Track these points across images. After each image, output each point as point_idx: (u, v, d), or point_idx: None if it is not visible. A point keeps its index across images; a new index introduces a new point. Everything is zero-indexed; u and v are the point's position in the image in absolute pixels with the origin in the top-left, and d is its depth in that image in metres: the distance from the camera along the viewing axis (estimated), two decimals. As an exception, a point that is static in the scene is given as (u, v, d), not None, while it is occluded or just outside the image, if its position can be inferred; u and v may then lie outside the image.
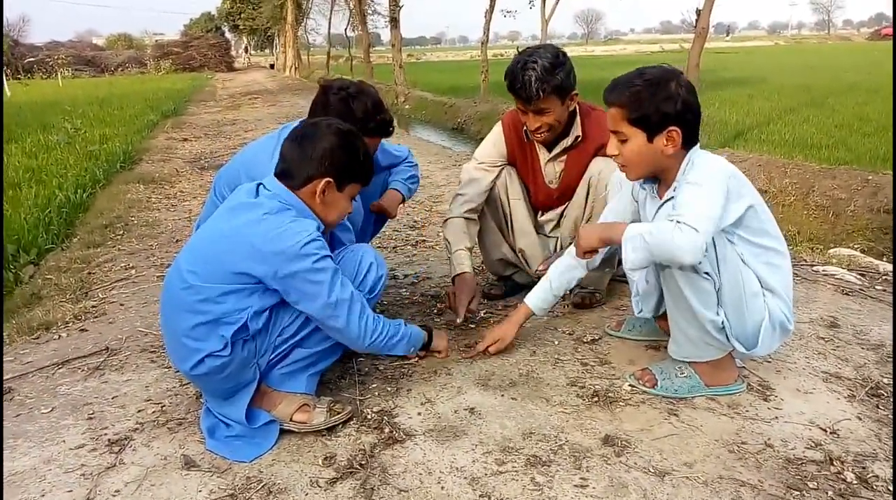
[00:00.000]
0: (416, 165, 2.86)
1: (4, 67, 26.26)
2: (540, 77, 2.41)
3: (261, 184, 1.94)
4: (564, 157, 2.72)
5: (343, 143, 1.92)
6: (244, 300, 1.82)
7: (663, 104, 1.86)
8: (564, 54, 2.52)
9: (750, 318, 1.94)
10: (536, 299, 2.39)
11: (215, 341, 1.80)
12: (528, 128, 2.61)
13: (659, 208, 1.98)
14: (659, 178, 2.04)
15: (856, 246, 4.54)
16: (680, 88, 1.87)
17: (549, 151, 2.73)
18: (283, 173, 1.93)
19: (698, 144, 1.97)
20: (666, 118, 1.87)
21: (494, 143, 2.82)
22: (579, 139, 2.67)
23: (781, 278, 1.99)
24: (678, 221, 1.74)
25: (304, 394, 1.99)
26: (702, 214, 1.75)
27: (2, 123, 8.59)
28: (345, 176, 1.94)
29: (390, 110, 2.50)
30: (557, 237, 2.89)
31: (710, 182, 1.83)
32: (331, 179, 1.90)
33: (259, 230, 1.81)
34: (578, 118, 2.65)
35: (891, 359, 2.31)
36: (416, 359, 2.39)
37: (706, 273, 1.87)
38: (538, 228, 2.91)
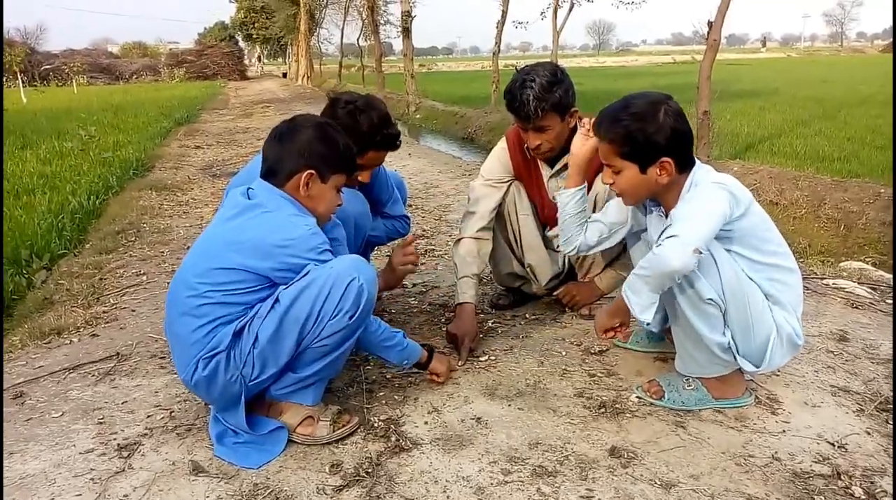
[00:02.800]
0: (408, 222, 2.93)
1: (21, 74, 26.54)
2: (538, 96, 2.42)
3: (250, 188, 1.96)
4: (566, 173, 2.72)
5: (321, 134, 1.95)
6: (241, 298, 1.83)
7: (652, 137, 1.88)
8: (563, 71, 2.53)
9: (757, 336, 1.93)
10: None
11: (215, 341, 1.82)
12: (528, 145, 2.62)
13: (665, 229, 1.93)
14: (661, 202, 2.04)
15: (867, 259, 4.51)
16: (667, 118, 1.88)
17: (551, 167, 2.73)
18: (267, 172, 1.96)
19: (698, 163, 1.97)
20: (656, 150, 1.89)
21: (499, 159, 2.82)
22: None
23: (788, 293, 1.97)
24: (662, 240, 1.79)
25: (310, 406, 1.98)
26: (688, 223, 1.79)
27: (1, 127, 8.68)
28: (326, 166, 1.95)
29: (399, 121, 2.53)
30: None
31: (706, 195, 1.86)
32: (312, 171, 1.92)
33: (262, 224, 1.85)
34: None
35: (901, 374, 2.30)
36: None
37: (710, 299, 1.86)
38: (546, 242, 2.91)
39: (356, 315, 1.83)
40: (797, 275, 2.01)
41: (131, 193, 6.21)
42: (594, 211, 2.69)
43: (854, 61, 40.47)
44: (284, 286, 1.82)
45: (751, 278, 1.92)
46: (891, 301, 3.01)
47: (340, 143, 1.99)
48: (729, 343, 1.94)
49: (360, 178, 2.43)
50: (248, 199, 1.93)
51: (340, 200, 2.05)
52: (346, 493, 1.74)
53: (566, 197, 2.34)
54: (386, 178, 2.75)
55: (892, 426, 1.99)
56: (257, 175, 2.14)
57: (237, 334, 1.82)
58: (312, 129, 1.96)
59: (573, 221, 2.34)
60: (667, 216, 2.00)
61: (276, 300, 1.81)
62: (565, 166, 2.70)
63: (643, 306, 1.88)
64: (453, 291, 3.23)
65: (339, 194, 2.04)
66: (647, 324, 2.07)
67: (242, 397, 1.87)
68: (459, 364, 2.46)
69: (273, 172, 1.95)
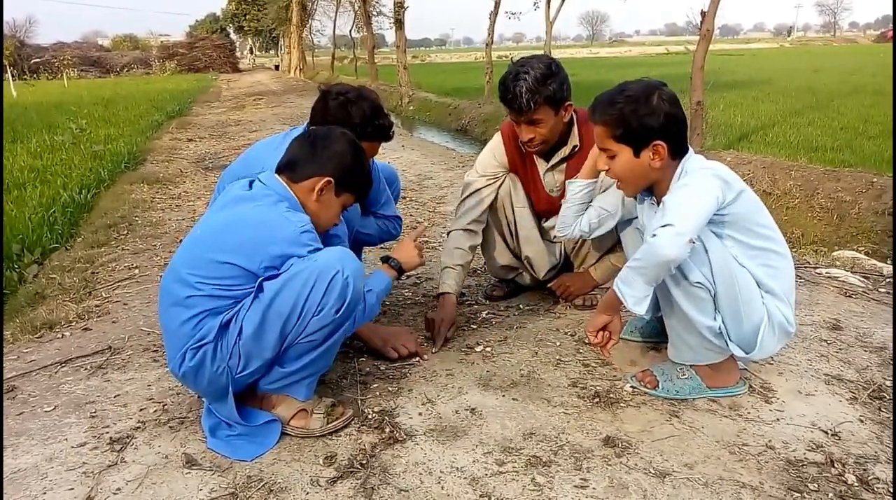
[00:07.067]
0: (400, 224, 2.89)
1: (11, 68, 26.31)
2: (531, 88, 2.40)
3: (254, 180, 1.96)
4: (563, 166, 2.71)
5: (353, 151, 2.00)
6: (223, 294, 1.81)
7: (646, 119, 1.89)
8: (558, 65, 2.51)
9: (748, 321, 1.94)
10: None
11: (202, 332, 1.81)
12: (520, 139, 2.61)
13: (657, 218, 1.93)
14: (654, 191, 2.04)
15: (860, 248, 4.53)
16: (662, 102, 1.89)
17: (547, 160, 2.72)
18: (286, 165, 1.97)
19: (691, 151, 1.98)
20: (650, 133, 1.90)
21: (494, 153, 2.81)
22: (577, 148, 2.65)
23: (781, 279, 1.98)
24: (656, 230, 1.78)
25: (303, 400, 1.97)
26: (681, 212, 1.79)
27: (1, 124, 8.61)
28: (345, 181, 1.99)
29: (392, 113, 2.51)
30: (562, 243, 2.89)
31: (697, 182, 1.86)
32: (332, 180, 1.94)
33: (253, 219, 1.84)
34: (576, 127, 2.65)
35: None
36: (418, 359, 2.40)
37: (698, 283, 1.87)
38: (543, 234, 2.91)
39: (342, 309, 1.79)
40: (789, 261, 2.02)
41: (123, 186, 6.17)
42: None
43: (846, 51, 40.51)
44: (267, 277, 1.78)
45: (743, 265, 1.92)
46: (884, 290, 3.02)
47: (366, 168, 2.05)
48: (720, 328, 1.95)
49: None
50: (249, 190, 1.93)
51: (339, 220, 2.07)
52: (341, 485, 1.73)
53: (577, 186, 2.36)
54: (379, 178, 2.72)
55: (885, 414, 1.99)
56: (253, 168, 2.12)
57: (224, 326, 1.80)
58: (347, 144, 2.00)
59: (576, 209, 2.38)
60: (658, 204, 2.00)
61: (260, 290, 1.77)
62: (561, 160, 2.69)
63: (637, 299, 1.88)
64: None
65: (340, 215, 2.07)
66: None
67: (230, 390, 1.86)
68: (433, 351, 2.47)
69: (292, 167, 1.96)
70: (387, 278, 2.13)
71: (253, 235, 1.82)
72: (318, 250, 1.84)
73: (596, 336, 2.10)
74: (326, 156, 1.95)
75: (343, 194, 2.01)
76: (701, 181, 1.86)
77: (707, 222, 1.84)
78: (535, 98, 2.41)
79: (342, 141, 2.00)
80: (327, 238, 2.17)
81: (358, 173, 2.02)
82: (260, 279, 1.78)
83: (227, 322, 1.80)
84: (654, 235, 1.78)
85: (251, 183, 1.96)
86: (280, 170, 1.98)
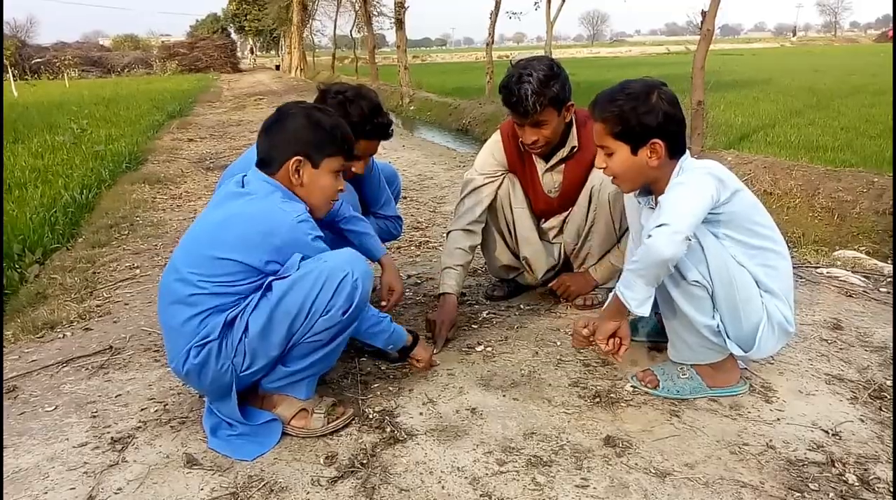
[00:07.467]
0: (401, 224, 2.93)
1: (12, 68, 26.32)
2: (536, 90, 2.40)
3: (244, 176, 1.96)
4: (562, 167, 2.71)
5: (306, 121, 1.92)
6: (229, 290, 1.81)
7: (644, 118, 1.90)
8: (559, 65, 2.52)
9: (746, 320, 1.94)
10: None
11: (207, 329, 1.81)
12: (523, 141, 2.60)
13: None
14: (652, 189, 2.04)
15: (861, 248, 4.52)
16: (661, 101, 1.90)
17: (546, 161, 2.72)
18: (259, 163, 1.95)
19: (688, 152, 1.98)
20: (648, 131, 1.90)
21: (493, 152, 2.81)
22: (576, 149, 2.66)
23: (780, 279, 1.98)
24: (652, 231, 1.78)
25: (304, 399, 1.97)
26: (676, 211, 1.79)
27: (1, 125, 8.60)
28: (315, 150, 1.92)
29: (393, 113, 2.52)
30: (560, 244, 2.89)
31: (692, 180, 1.87)
32: (300, 158, 1.90)
33: (249, 213, 1.84)
34: (574, 128, 2.65)
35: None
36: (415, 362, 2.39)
37: (695, 281, 1.87)
38: (541, 235, 2.91)
39: (350, 311, 1.81)
40: (788, 261, 2.02)
41: (124, 186, 6.17)
42: (589, 203, 2.70)
43: (846, 51, 40.46)
44: (276, 276, 1.79)
45: (742, 265, 1.93)
46: (885, 290, 3.02)
47: (327, 124, 1.94)
48: (718, 326, 1.95)
49: (353, 169, 2.41)
50: (242, 187, 1.93)
51: (341, 184, 2.01)
52: (341, 484, 1.74)
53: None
54: (379, 179, 2.73)
55: (885, 414, 1.99)
56: (250, 164, 2.12)
57: (229, 324, 1.80)
58: (299, 116, 1.93)
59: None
60: (656, 203, 2.00)
61: (269, 289, 1.78)
62: (560, 161, 2.69)
63: (640, 301, 1.88)
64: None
65: (339, 178, 2.00)
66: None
67: (234, 388, 1.86)
68: (435, 351, 2.46)
69: (264, 163, 1.94)
70: (403, 338, 2.17)
71: (250, 229, 1.81)
72: (319, 237, 1.85)
73: (607, 344, 2.07)
74: (284, 139, 1.91)
75: (323, 162, 1.93)
76: (696, 179, 1.87)
77: (703, 221, 1.84)
78: (540, 100, 2.41)
79: (292, 116, 1.93)
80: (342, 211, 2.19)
81: (322, 135, 1.92)
82: (270, 279, 1.79)
83: (231, 320, 1.80)
84: (650, 236, 1.78)
85: (243, 179, 1.96)
86: (259, 168, 1.96)
